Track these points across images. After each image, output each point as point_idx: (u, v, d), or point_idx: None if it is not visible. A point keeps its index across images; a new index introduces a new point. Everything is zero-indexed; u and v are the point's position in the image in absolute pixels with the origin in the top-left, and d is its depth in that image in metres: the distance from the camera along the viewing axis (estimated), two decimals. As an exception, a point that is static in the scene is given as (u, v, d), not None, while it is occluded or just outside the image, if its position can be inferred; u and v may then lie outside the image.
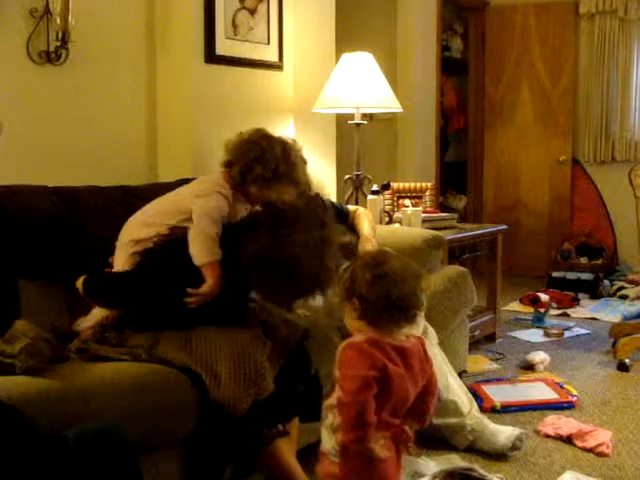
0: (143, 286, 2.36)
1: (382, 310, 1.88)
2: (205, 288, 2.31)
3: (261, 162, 2.54)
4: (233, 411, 2.13)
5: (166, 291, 2.33)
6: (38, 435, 1.59)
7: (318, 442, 1.99)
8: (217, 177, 2.61)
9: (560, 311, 5.33)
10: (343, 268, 2.01)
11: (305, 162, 3.27)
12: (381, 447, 1.86)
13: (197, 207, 2.46)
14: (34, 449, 1.54)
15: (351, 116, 4.19)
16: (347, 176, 4.24)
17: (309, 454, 2.51)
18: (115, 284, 2.43)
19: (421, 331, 2.89)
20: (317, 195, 2.47)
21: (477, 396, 3.29)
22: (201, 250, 2.34)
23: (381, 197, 4.11)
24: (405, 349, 1.91)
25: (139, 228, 2.56)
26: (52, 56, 3.09)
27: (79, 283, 2.40)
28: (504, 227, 4.60)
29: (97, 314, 2.43)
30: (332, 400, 1.92)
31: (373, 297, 1.87)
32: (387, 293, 1.87)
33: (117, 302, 2.40)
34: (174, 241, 2.44)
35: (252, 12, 3.88)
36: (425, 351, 2.00)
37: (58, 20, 3.02)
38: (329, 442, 1.93)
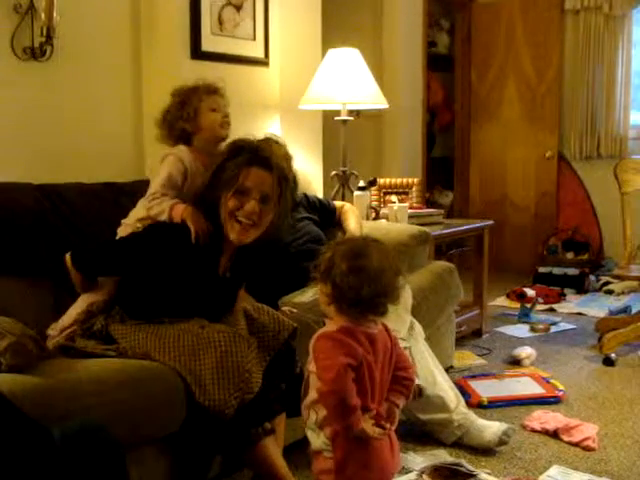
0: (128, 250, 2.41)
1: (350, 303, 1.90)
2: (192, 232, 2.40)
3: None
4: (219, 415, 2.13)
5: (151, 258, 2.36)
6: (37, 423, 1.58)
7: (304, 439, 1.99)
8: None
9: (546, 306, 5.35)
10: (324, 248, 2.02)
11: (290, 158, 3.28)
12: (372, 426, 1.88)
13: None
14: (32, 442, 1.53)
15: (337, 112, 4.19)
16: (333, 172, 4.24)
17: (294, 451, 2.52)
18: (101, 249, 2.48)
19: (407, 327, 2.92)
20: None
21: (464, 391, 3.29)
22: (157, 211, 2.54)
23: (368, 193, 4.11)
24: (374, 336, 1.94)
25: (143, 208, 2.66)
26: (37, 52, 3.07)
27: (67, 256, 2.43)
28: (490, 223, 4.61)
29: (71, 315, 2.42)
30: (310, 399, 1.93)
31: (345, 288, 1.89)
32: (358, 289, 1.88)
33: (103, 267, 2.44)
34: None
35: (238, 8, 3.87)
36: (389, 334, 2.02)
37: (43, 16, 3.00)
38: (317, 440, 1.93)
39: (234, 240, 2.40)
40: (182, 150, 2.69)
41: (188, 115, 2.69)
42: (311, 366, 1.93)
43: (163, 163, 2.68)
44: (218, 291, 2.41)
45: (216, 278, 2.43)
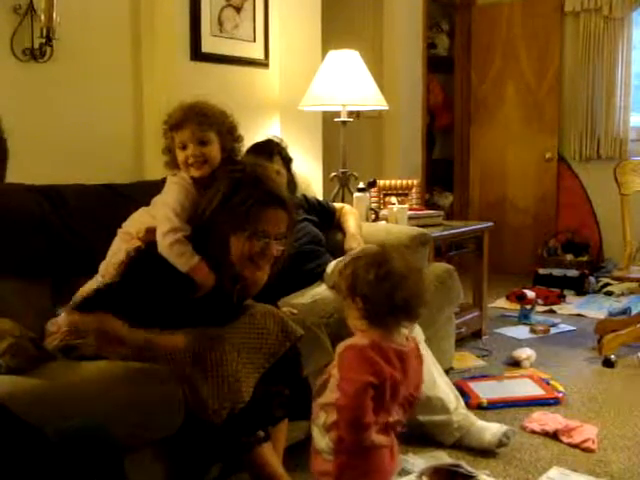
0: (133, 296, 2.26)
1: (385, 311, 1.87)
2: (200, 291, 2.29)
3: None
4: (210, 422, 2.12)
5: (158, 294, 2.28)
6: (28, 424, 1.57)
7: (307, 439, 1.99)
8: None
9: (546, 308, 5.35)
10: (343, 264, 1.99)
11: (290, 160, 3.28)
12: (377, 434, 1.87)
13: (157, 215, 2.41)
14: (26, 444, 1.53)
15: (337, 113, 4.19)
16: (333, 174, 4.24)
17: (296, 452, 2.51)
18: (106, 302, 2.28)
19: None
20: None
21: (463, 393, 3.29)
22: (177, 261, 2.29)
23: (367, 194, 4.11)
24: (404, 353, 1.92)
25: (138, 223, 2.51)
26: (36, 53, 3.07)
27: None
28: (490, 224, 4.61)
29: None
30: (324, 399, 1.92)
31: (376, 298, 1.87)
32: (390, 295, 1.86)
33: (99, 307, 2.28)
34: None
35: (238, 9, 3.87)
36: (419, 351, 2.01)
37: (42, 17, 3.00)
38: (322, 440, 1.92)
39: (250, 278, 2.34)
40: (185, 179, 2.45)
41: (168, 150, 2.51)
42: (335, 371, 1.90)
43: (172, 188, 2.44)
44: (220, 310, 2.35)
45: (216, 302, 2.35)
